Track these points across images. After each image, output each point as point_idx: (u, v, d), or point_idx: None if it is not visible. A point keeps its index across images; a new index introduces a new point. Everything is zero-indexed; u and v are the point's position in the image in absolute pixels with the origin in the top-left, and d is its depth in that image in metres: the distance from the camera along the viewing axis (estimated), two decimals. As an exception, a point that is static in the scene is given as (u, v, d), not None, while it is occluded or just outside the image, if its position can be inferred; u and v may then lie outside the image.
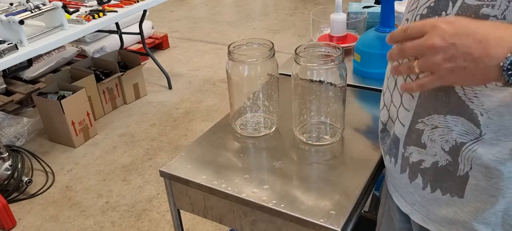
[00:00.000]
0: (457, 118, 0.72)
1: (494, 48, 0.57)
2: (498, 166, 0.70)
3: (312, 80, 1.00)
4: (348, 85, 1.29)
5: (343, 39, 1.53)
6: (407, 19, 0.79)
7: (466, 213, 0.76)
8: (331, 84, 1.01)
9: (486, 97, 0.67)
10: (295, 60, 1.00)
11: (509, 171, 0.69)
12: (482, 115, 0.69)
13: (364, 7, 1.65)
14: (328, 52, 1.03)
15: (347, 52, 1.48)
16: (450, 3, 0.68)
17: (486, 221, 0.74)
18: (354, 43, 1.47)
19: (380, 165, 1.02)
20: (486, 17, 0.64)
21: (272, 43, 1.07)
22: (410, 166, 0.82)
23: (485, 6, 0.64)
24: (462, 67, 0.60)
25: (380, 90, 1.29)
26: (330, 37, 1.54)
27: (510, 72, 0.57)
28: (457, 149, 0.73)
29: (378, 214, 1.10)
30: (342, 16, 1.50)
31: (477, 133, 0.70)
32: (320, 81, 1.00)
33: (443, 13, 0.69)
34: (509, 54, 0.57)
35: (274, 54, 1.06)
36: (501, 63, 0.57)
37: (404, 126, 0.82)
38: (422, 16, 0.73)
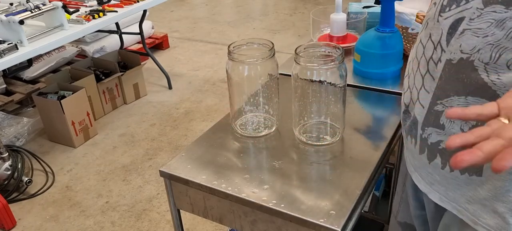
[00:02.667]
0: (479, 99, 0.72)
1: None
2: None
3: (312, 80, 1.00)
4: (348, 85, 1.29)
5: (343, 39, 1.53)
6: (435, 3, 0.81)
7: (485, 191, 0.76)
8: (331, 84, 1.01)
9: (509, 79, 0.68)
10: (295, 60, 1.00)
11: None
12: None
13: (364, 7, 1.65)
14: (328, 52, 1.03)
15: (347, 52, 1.49)
16: None
17: (505, 199, 0.75)
18: (354, 43, 1.47)
19: (380, 165, 1.03)
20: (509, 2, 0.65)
21: (272, 43, 1.07)
22: (428, 146, 0.83)
23: None
24: None
25: (380, 90, 1.31)
26: (330, 37, 1.54)
27: None
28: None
29: (394, 202, 1.12)
30: (342, 16, 1.50)
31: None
32: (320, 81, 1.00)
33: (463, 1, 0.71)
34: None
35: (274, 54, 1.06)
36: None
37: (423, 107, 0.83)
38: (443, 6, 0.76)
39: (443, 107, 0.78)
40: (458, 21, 0.73)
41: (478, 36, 0.70)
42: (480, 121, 0.61)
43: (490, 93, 0.71)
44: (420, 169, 0.88)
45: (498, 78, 0.69)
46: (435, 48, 0.78)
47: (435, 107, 0.80)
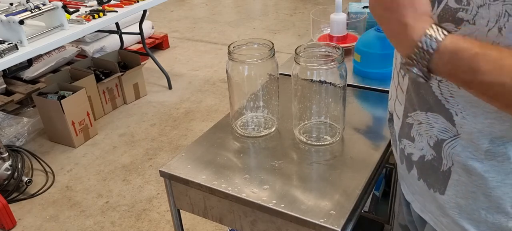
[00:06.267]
0: (437, 116, 0.73)
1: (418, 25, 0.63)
2: (476, 163, 0.71)
3: (312, 80, 1.00)
4: (348, 85, 1.29)
5: (343, 39, 1.53)
6: None
7: (451, 209, 0.77)
8: (331, 84, 1.01)
9: (461, 98, 0.69)
10: (295, 60, 1.00)
11: (487, 170, 0.70)
12: (457, 115, 0.70)
13: (364, 7, 1.65)
14: (328, 52, 1.03)
15: (347, 52, 1.48)
16: (436, 3, 0.71)
17: (470, 218, 0.75)
18: (354, 43, 1.47)
19: (380, 165, 1.03)
20: (461, 21, 0.66)
21: (272, 43, 1.07)
22: (405, 157, 0.84)
23: (461, 10, 0.66)
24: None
25: (380, 90, 1.31)
26: (330, 37, 1.54)
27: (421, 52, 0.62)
28: (439, 145, 0.75)
29: (395, 204, 1.12)
30: (342, 16, 1.50)
31: (454, 131, 0.72)
32: (320, 81, 1.00)
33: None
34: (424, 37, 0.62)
35: (274, 54, 1.06)
36: (420, 41, 0.61)
37: (399, 118, 0.84)
38: None
39: (412, 120, 0.79)
40: None
41: None
42: None
43: (445, 111, 0.71)
44: (404, 178, 0.89)
45: (451, 96, 0.70)
46: (402, 61, 0.78)
47: (406, 119, 0.81)
